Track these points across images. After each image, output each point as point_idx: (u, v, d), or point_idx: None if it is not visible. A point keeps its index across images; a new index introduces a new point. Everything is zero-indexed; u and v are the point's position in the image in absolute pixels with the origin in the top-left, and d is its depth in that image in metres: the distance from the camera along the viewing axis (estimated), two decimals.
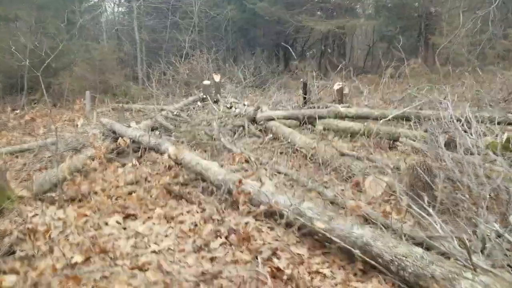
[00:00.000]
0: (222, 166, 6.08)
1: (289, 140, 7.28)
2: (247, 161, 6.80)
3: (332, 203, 4.78)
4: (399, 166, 5.31)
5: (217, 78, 11.66)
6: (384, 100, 11.05)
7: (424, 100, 9.55)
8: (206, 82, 11.57)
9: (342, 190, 5.20)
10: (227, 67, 18.58)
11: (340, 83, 10.10)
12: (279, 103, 11.15)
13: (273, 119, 8.34)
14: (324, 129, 8.16)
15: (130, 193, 5.06)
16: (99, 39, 20.75)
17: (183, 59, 17.42)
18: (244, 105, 10.24)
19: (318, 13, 21.35)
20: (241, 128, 8.71)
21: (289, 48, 16.26)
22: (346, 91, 10.35)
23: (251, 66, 17.46)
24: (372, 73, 18.42)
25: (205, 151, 7.29)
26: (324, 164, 5.93)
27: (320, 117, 8.30)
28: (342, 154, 6.07)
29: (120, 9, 24.94)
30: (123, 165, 6.21)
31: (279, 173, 5.90)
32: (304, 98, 10.28)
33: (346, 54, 20.51)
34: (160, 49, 19.82)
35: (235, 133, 8.61)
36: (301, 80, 10.54)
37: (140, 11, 20.09)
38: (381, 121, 7.42)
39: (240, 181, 4.60)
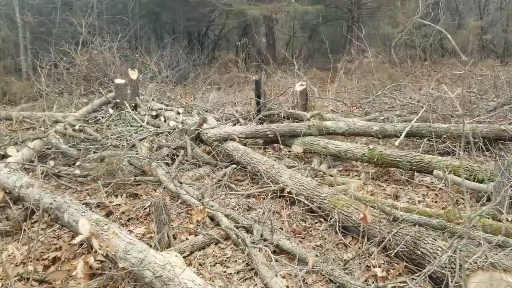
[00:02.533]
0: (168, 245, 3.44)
1: (268, 177, 4.75)
2: (211, 219, 4.19)
3: None
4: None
5: (133, 75, 8.67)
6: (351, 103, 8.97)
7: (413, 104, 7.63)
8: (119, 80, 8.52)
9: None
10: (137, 58, 15.29)
11: (303, 82, 7.77)
12: (221, 108, 8.54)
13: (232, 138, 5.72)
14: (305, 151, 5.77)
15: None
16: None
17: (79, 47, 13.79)
18: (178, 113, 7.45)
19: None
20: (183, 151, 5.99)
21: (212, 36, 13.58)
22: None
23: (166, 56, 14.44)
24: (303, 67, 16.34)
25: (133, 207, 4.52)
26: (366, 236, 3.49)
27: (295, 135, 5.89)
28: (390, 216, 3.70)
29: None
30: None
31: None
32: (258, 102, 7.79)
33: (275, 45, 18.30)
34: (49, 34, 15.78)
35: (173, 159, 5.87)
36: (253, 78, 8.03)
37: None
38: (397, 141, 5.22)
39: None
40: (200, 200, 4.43)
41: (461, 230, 3.07)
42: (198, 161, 5.78)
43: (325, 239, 3.77)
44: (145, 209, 4.59)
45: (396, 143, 5.19)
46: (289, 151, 6.25)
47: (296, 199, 4.24)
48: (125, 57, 14.98)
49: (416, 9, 11.24)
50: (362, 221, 2.94)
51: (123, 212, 4.58)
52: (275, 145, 6.33)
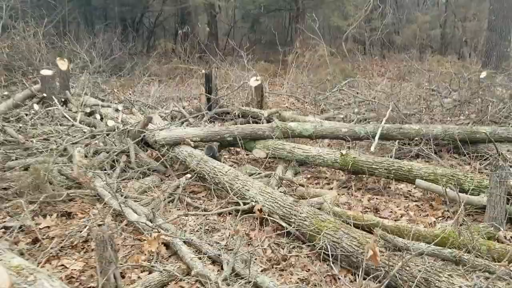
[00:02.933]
0: None
1: (232, 190, 4.05)
2: (166, 246, 3.43)
3: None
4: None
5: (63, 65, 7.54)
6: (306, 100, 8.45)
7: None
8: (46, 71, 7.35)
9: None
10: (65, 46, 13.80)
11: (258, 77, 7.10)
12: (165, 104, 7.67)
13: (186, 143, 4.94)
14: (268, 156, 5.13)
15: None
16: None
17: None
18: (117, 110, 6.51)
19: None
20: (125, 156, 5.12)
21: (147, 23, 12.49)
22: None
23: (99, 44, 13.12)
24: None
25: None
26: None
27: (257, 138, 5.23)
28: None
29: None
30: None
31: None
32: (208, 99, 7.02)
33: (218, 34, 17.41)
34: None
35: (114, 166, 4.99)
36: (203, 71, 7.22)
37: None
38: (372, 146, 4.72)
39: None
40: (151, 221, 3.66)
41: (482, 263, 2.57)
42: (144, 169, 4.95)
43: (309, 270, 3.15)
44: (82, 233, 3.72)
45: (372, 148, 4.69)
46: (247, 155, 5.58)
47: (270, 219, 3.58)
48: (52, 44, 13.49)
49: (365, 2, 10.98)
50: (372, 261, 2.34)
51: (53, 238, 3.69)
52: (231, 148, 5.64)
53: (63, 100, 7.25)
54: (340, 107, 8.02)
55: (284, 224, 3.46)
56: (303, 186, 4.40)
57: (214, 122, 6.95)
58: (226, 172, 4.27)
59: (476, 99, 7.04)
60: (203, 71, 7.19)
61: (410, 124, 5.52)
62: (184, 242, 3.37)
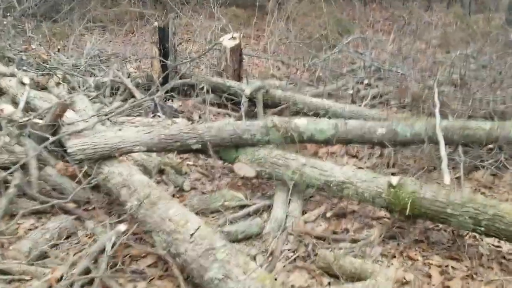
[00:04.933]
0: None
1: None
2: None
3: None
4: None
5: None
6: (297, 64, 6.35)
7: None
8: None
9: None
10: None
11: (235, 34, 4.93)
12: (106, 68, 5.41)
13: (122, 159, 2.85)
14: (259, 176, 3.14)
15: None
16: None
17: None
18: (23, 84, 4.23)
19: None
20: (20, 174, 3.00)
21: None
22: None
23: None
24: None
25: None
26: None
27: (242, 144, 3.20)
28: None
29: None
30: None
31: None
32: (164, 66, 4.84)
33: None
34: None
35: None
36: (154, 24, 4.93)
37: None
38: (445, 175, 2.78)
39: None
40: None
41: None
42: (49, 201, 2.87)
43: None
44: None
45: (446, 179, 2.72)
46: (230, 171, 3.58)
47: None
48: None
49: None
50: None
51: None
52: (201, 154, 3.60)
53: None
54: (339, 75, 6.00)
55: None
56: (327, 241, 2.46)
57: (171, 99, 4.82)
58: (197, 229, 2.25)
59: None
60: (155, 23, 4.90)
61: (476, 121, 3.59)
62: None
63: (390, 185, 2.71)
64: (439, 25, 8.07)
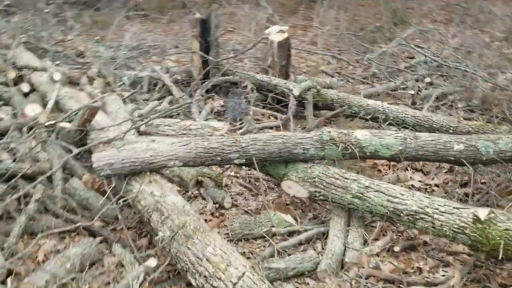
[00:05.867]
0: None
1: None
2: None
3: None
4: None
5: None
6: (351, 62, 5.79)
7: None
8: None
9: None
10: None
11: (283, 28, 4.45)
12: (145, 61, 5.09)
13: (151, 176, 2.46)
14: (312, 197, 2.67)
15: None
16: None
17: None
18: (53, 81, 3.92)
19: None
20: (42, 186, 2.68)
21: None
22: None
23: None
24: None
25: None
26: None
27: (292, 159, 2.73)
28: None
29: None
30: None
31: None
32: (205, 61, 4.44)
33: None
34: None
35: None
36: (196, 15, 4.52)
37: None
38: None
39: None
40: None
41: None
42: (73, 219, 2.54)
43: None
44: None
45: None
46: (276, 185, 3.14)
47: None
48: None
49: None
50: None
51: None
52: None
53: None
54: (395, 72, 5.41)
55: None
56: (396, 284, 1.99)
57: (212, 97, 4.41)
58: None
59: None
60: (197, 14, 4.48)
61: None
62: None
63: (477, 220, 2.19)
64: (504, 15, 7.22)
